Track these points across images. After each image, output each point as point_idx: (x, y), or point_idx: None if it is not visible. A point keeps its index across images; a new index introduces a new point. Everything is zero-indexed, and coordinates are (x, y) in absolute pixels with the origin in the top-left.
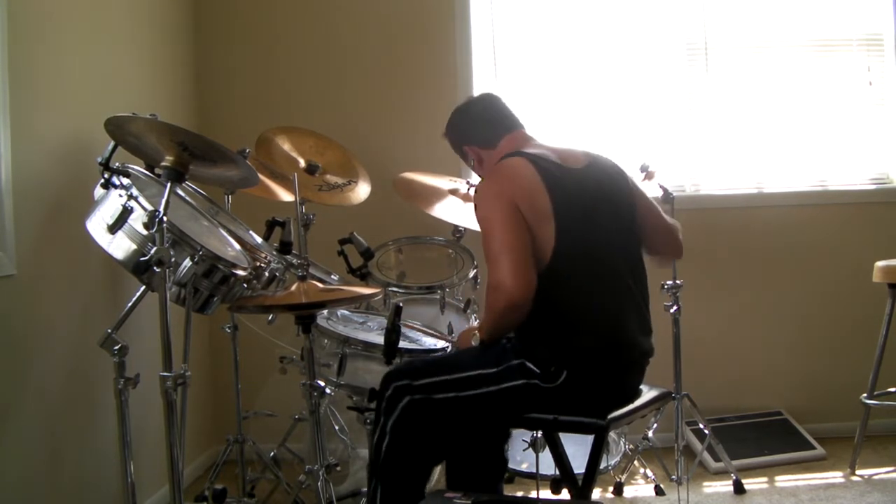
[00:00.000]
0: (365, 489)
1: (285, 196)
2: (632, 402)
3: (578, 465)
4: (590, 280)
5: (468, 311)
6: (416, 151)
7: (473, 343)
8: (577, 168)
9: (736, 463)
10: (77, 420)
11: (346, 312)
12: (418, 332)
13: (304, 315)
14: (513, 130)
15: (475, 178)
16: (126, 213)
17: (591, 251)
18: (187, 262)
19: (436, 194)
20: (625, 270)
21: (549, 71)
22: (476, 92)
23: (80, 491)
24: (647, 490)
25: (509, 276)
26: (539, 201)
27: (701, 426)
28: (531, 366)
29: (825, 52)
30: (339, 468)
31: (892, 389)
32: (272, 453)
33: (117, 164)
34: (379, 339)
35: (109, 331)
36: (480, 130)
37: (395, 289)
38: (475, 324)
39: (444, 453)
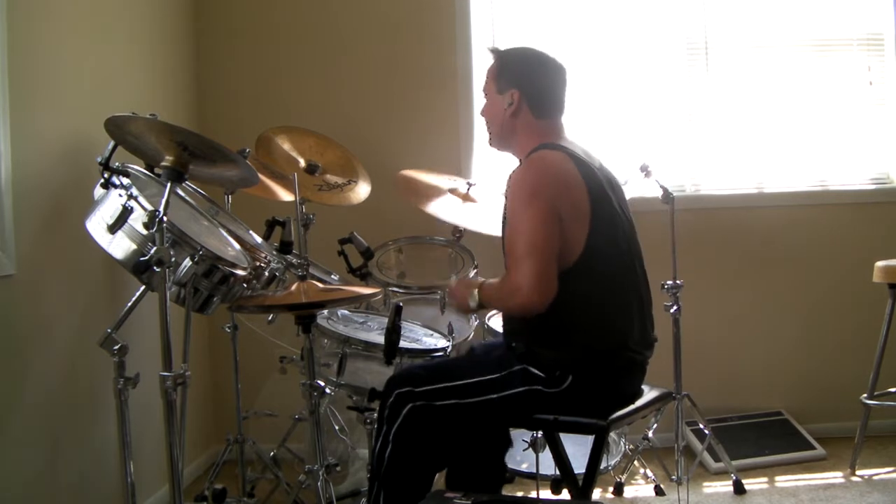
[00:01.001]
0: (365, 489)
1: (285, 196)
2: (632, 402)
3: (579, 466)
4: (607, 281)
5: None
6: (417, 151)
7: (471, 303)
8: (597, 166)
9: (736, 463)
10: (77, 420)
11: (346, 312)
12: (419, 332)
13: (304, 315)
14: (558, 118)
15: (475, 179)
16: (126, 212)
17: (613, 252)
18: (187, 262)
19: (435, 193)
20: (636, 270)
21: None
22: (479, 95)
23: (80, 491)
24: (647, 490)
25: (532, 284)
26: (579, 200)
27: (701, 426)
28: (535, 371)
29: (825, 52)
30: (339, 468)
31: (893, 390)
32: (272, 453)
33: (117, 163)
34: (379, 339)
35: (109, 331)
36: (545, 94)
37: (395, 289)
38: (477, 279)
39: (446, 460)
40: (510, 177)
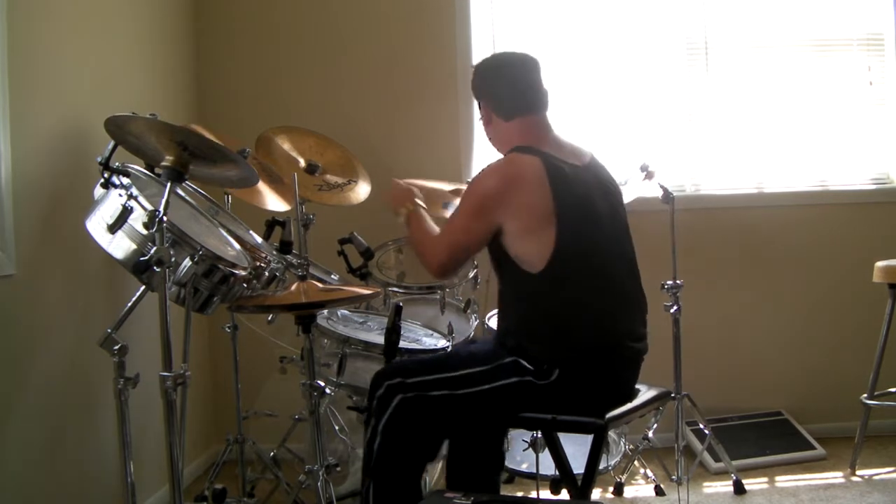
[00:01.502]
0: None
1: (280, 206)
2: (628, 400)
3: (578, 466)
4: (586, 280)
5: (468, 311)
6: (416, 151)
7: (398, 218)
8: (581, 165)
9: (736, 463)
10: (77, 420)
11: (346, 312)
12: (419, 332)
13: (304, 315)
14: (532, 112)
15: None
16: (126, 212)
17: (589, 251)
18: (187, 262)
19: (440, 196)
20: (620, 269)
21: (549, 71)
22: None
23: (80, 490)
24: (647, 490)
25: (439, 266)
26: (540, 203)
27: (701, 426)
28: (525, 363)
29: (825, 52)
30: (339, 468)
31: (893, 389)
32: (272, 453)
33: (117, 163)
34: (379, 339)
35: (109, 331)
36: (502, 96)
37: (395, 289)
38: (420, 210)
39: (436, 451)
40: (481, 171)
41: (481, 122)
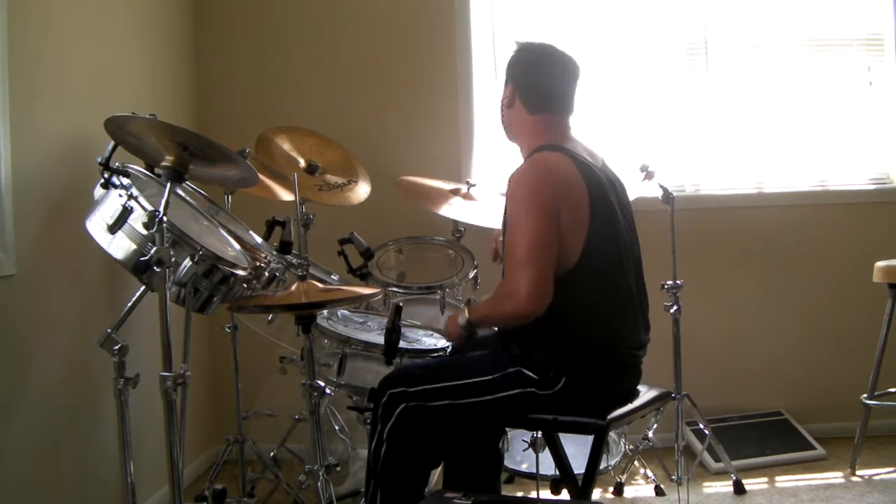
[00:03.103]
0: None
1: (285, 195)
2: (629, 401)
3: (578, 466)
4: (602, 286)
5: None
6: (416, 151)
7: (460, 321)
8: (599, 167)
9: (736, 463)
10: (77, 420)
11: (346, 312)
12: (419, 332)
13: (304, 315)
14: (558, 114)
15: (474, 179)
16: (126, 212)
17: (609, 256)
18: (187, 262)
19: (439, 195)
20: (631, 272)
21: None
22: (479, 95)
23: (80, 491)
24: (647, 490)
25: (528, 290)
26: (580, 203)
27: (701, 426)
28: (529, 373)
29: (825, 52)
30: (339, 468)
31: (893, 390)
32: (272, 453)
33: (117, 163)
34: (379, 339)
35: (109, 331)
36: (536, 90)
37: (395, 289)
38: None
39: (441, 458)
40: (510, 178)
41: (502, 101)
